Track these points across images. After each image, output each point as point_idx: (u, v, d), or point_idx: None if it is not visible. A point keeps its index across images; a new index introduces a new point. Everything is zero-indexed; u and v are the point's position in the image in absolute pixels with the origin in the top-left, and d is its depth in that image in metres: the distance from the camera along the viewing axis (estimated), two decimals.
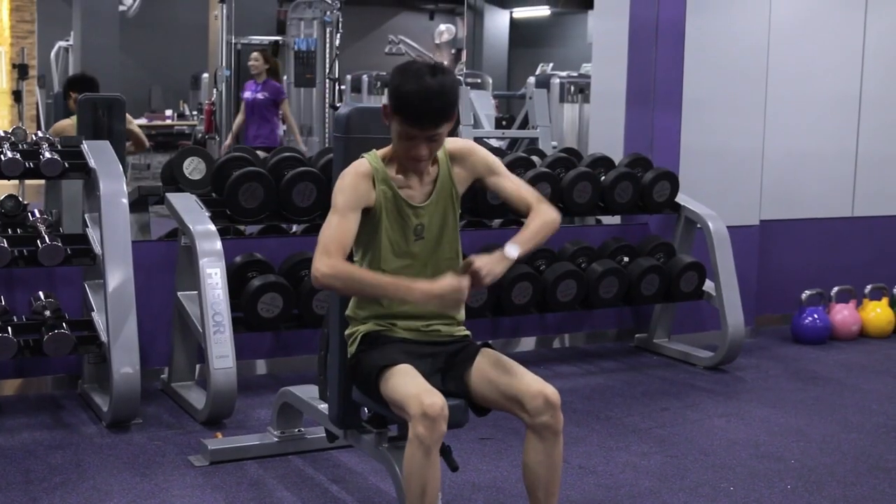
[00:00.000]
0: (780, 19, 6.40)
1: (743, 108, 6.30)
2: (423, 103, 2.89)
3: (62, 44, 15.85)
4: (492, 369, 2.99)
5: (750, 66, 6.29)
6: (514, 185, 3.16)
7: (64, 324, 4.37)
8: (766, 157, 6.40)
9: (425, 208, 3.07)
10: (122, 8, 16.17)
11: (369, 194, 3.01)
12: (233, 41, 9.66)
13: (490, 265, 2.86)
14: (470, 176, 3.13)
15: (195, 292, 4.51)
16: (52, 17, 16.52)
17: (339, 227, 2.95)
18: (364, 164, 3.04)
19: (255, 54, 9.18)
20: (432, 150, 2.99)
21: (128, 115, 6.32)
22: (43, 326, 4.36)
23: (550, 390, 2.89)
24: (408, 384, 2.87)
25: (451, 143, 3.11)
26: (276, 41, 10.08)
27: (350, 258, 3.06)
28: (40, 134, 4.92)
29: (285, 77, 11.45)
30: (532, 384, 2.91)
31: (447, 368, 3.07)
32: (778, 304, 6.66)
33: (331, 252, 2.93)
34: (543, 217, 3.10)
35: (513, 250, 2.93)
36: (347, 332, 3.16)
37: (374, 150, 3.07)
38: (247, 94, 9.15)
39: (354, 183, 3.00)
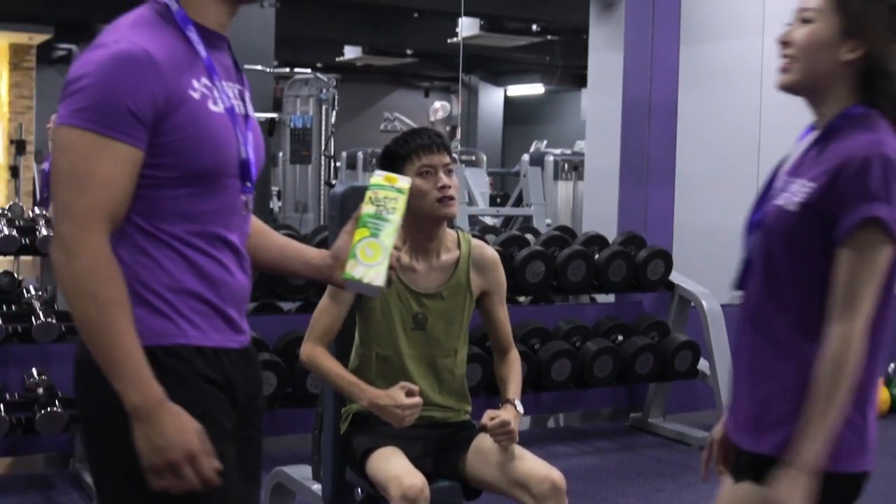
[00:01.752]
0: (770, 97, 6.46)
1: (735, 186, 6.34)
2: (427, 131, 3.05)
3: None
4: (494, 451, 2.97)
5: (742, 144, 6.35)
6: (505, 318, 3.23)
7: (57, 401, 4.35)
8: None
9: (432, 298, 3.07)
10: None
11: None
12: None
13: (511, 423, 2.95)
14: (480, 288, 3.15)
15: None
16: (51, 94, 16.60)
17: (324, 312, 3.04)
18: None
19: None
20: (453, 184, 3.02)
21: None
22: (35, 404, 4.34)
23: (557, 475, 2.87)
24: (390, 466, 2.86)
25: (480, 246, 3.15)
26: (273, 118, 10.15)
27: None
28: (37, 210, 4.95)
29: (280, 153, 11.52)
30: (538, 468, 2.89)
31: (440, 451, 3.06)
32: None
33: (312, 336, 3.06)
34: (518, 364, 3.21)
35: (519, 405, 3.05)
36: (343, 409, 3.16)
37: None
38: None
39: None
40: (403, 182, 2.20)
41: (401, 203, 2.18)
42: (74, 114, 1.82)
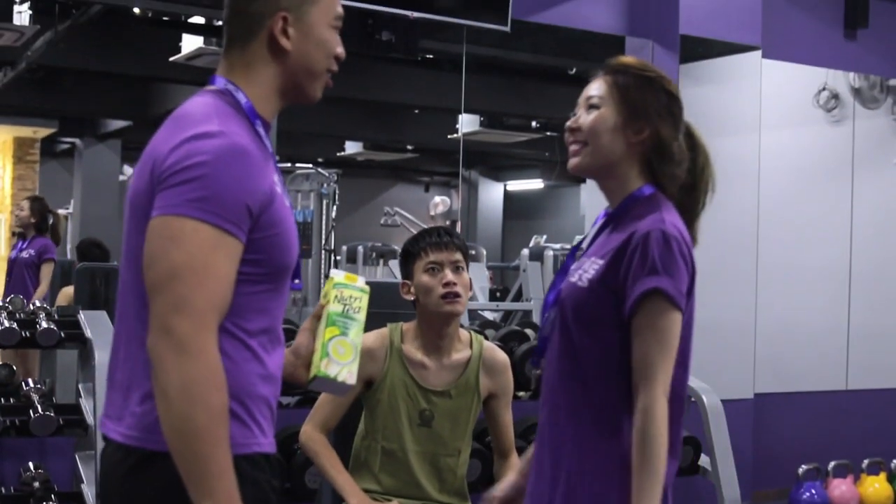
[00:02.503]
0: (768, 192, 6.52)
1: (734, 281, 6.36)
2: (439, 230, 3.10)
3: (62, 212, 16.04)
4: None
5: (740, 240, 6.37)
6: (510, 422, 3.28)
7: (53, 496, 4.31)
8: (758, 329, 6.43)
9: (440, 395, 3.07)
10: (122, 178, 16.42)
11: (372, 368, 3.04)
12: None
13: None
14: (489, 390, 3.16)
15: None
16: (53, 185, 16.74)
17: (329, 399, 3.07)
18: (374, 336, 3.08)
19: (22, 203, 8.25)
20: (460, 282, 3.02)
21: None
22: (31, 498, 4.30)
23: None
24: None
25: (491, 349, 3.17)
26: None
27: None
28: (37, 303, 4.95)
29: None
30: None
31: None
32: (774, 479, 6.59)
33: (314, 421, 3.10)
34: None
35: None
36: None
37: (402, 323, 3.12)
38: (11, 253, 8.17)
39: None
40: (362, 282, 2.20)
41: (364, 302, 2.18)
42: (191, 204, 1.75)
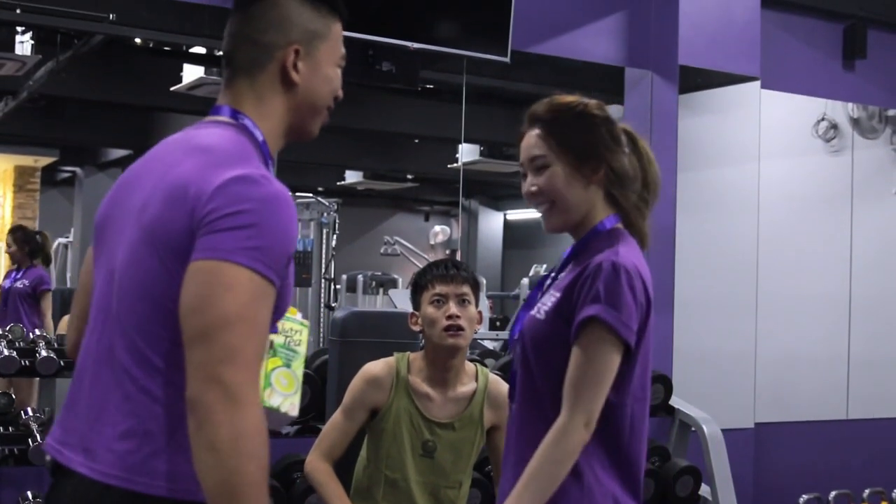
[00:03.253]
0: (768, 222, 6.53)
1: (734, 311, 6.36)
2: (447, 263, 3.12)
3: (62, 240, 16.06)
4: None
5: (740, 269, 6.38)
6: None
7: None
8: (758, 359, 6.43)
9: (444, 427, 3.07)
10: None
11: (378, 397, 3.05)
12: None
13: None
14: (492, 423, 3.17)
15: None
16: (54, 215, 16.77)
17: (336, 427, 3.07)
18: (381, 365, 3.08)
19: (6, 240, 8.10)
20: (463, 315, 3.02)
21: None
22: None
23: None
24: None
25: (497, 382, 3.18)
26: None
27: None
28: (37, 332, 4.95)
29: None
30: None
31: None
32: None
33: (320, 449, 3.11)
34: None
35: None
36: None
37: (409, 353, 3.13)
38: (5, 282, 8.09)
39: (360, 386, 3.06)
40: (300, 316, 2.19)
41: (304, 336, 2.17)
42: (247, 252, 1.72)
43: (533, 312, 2.29)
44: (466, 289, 3.06)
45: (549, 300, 2.27)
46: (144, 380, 1.78)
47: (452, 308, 3.02)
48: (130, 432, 1.76)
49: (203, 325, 1.70)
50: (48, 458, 1.90)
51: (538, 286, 2.39)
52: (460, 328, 3.01)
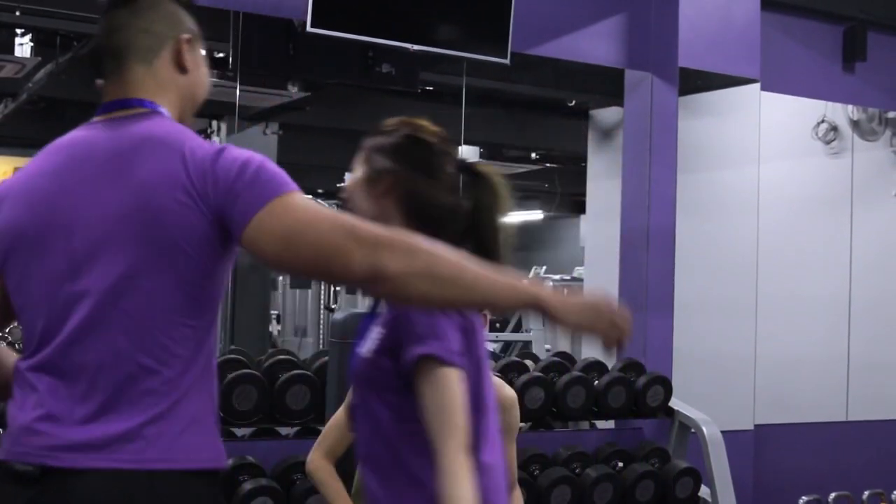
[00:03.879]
0: (768, 224, 6.53)
1: (734, 313, 6.36)
2: None
3: None
4: None
5: (740, 271, 6.39)
6: (513, 456, 3.26)
7: None
8: (758, 361, 6.43)
9: None
10: None
11: None
12: None
13: None
14: None
15: None
16: None
17: (337, 426, 3.11)
18: None
19: None
20: None
21: None
22: None
23: None
24: None
25: (499, 385, 3.19)
26: None
27: None
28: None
29: (280, 278, 11.55)
30: None
31: None
32: None
33: (321, 448, 3.10)
34: (521, 503, 3.26)
35: None
36: None
37: None
38: None
39: None
40: None
41: None
42: (287, 181, 1.92)
43: (360, 350, 2.30)
44: None
45: (374, 337, 2.27)
46: (157, 366, 1.89)
47: None
48: (160, 416, 1.88)
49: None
50: (23, 467, 1.89)
51: (369, 317, 2.39)
52: None
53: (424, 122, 2.46)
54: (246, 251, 1.90)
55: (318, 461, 3.09)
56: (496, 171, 2.45)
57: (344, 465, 3.13)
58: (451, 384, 2.15)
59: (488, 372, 2.34)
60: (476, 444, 2.18)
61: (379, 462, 2.26)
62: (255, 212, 1.85)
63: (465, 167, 2.44)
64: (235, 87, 8.14)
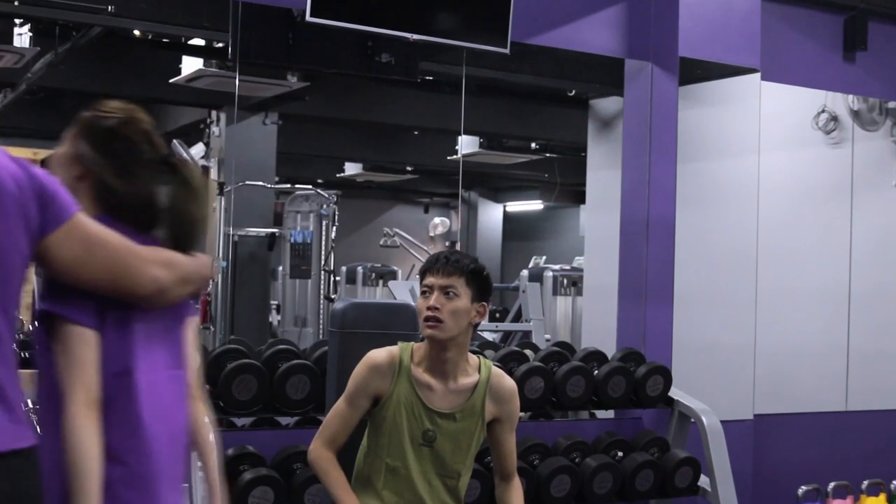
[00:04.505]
0: (768, 214, 6.53)
1: (733, 302, 6.37)
2: (438, 256, 3.11)
3: None
4: None
5: (740, 261, 6.39)
6: (513, 447, 3.27)
7: None
8: (758, 350, 6.44)
9: (445, 417, 3.08)
10: None
11: (380, 385, 3.06)
12: (231, 233, 9.80)
13: None
14: (493, 415, 3.17)
15: (185, 485, 4.45)
16: None
17: (338, 415, 3.09)
18: (384, 354, 3.09)
19: None
20: (444, 307, 3.02)
21: None
22: None
23: None
24: None
25: (500, 375, 3.18)
26: (273, 233, 10.22)
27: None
28: (37, 324, 4.94)
29: (280, 268, 11.54)
30: None
31: None
32: (774, 500, 6.58)
33: (323, 437, 3.13)
34: (521, 492, 3.27)
35: None
36: None
37: (413, 343, 3.13)
38: None
39: (363, 373, 3.07)
40: None
41: None
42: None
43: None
44: (450, 281, 3.04)
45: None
46: None
47: (431, 300, 3.04)
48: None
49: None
50: None
51: None
52: (438, 320, 3.02)
53: (137, 114, 2.53)
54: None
55: (320, 450, 3.10)
56: (194, 165, 2.58)
57: (345, 455, 3.14)
58: (74, 340, 2.27)
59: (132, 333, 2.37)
60: (107, 409, 2.27)
61: (40, 411, 2.36)
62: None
63: (164, 160, 2.48)
64: (235, 77, 8.14)
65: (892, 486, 6.67)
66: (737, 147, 6.54)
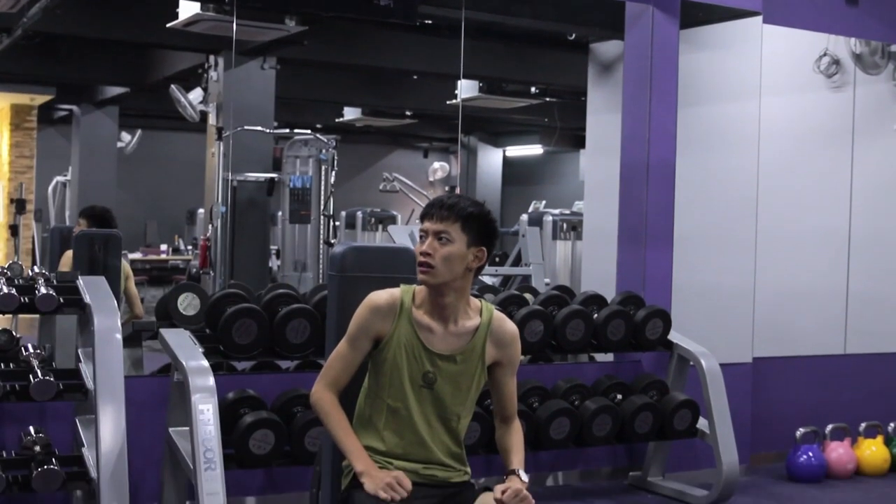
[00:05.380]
0: (768, 159, 6.51)
1: (733, 246, 6.37)
2: (436, 200, 3.08)
3: (60, 179, 16.03)
4: None
5: (740, 205, 6.38)
6: (513, 389, 3.25)
7: (53, 459, 4.32)
8: (757, 294, 6.45)
9: (445, 360, 3.08)
10: (120, 144, 16.40)
11: (382, 326, 3.07)
12: (229, 178, 9.78)
13: (524, 491, 2.96)
14: (494, 359, 3.17)
15: (187, 428, 4.48)
16: (51, 153, 16.73)
17: (340, 357, 3.10)
18: (386, 295, 3.09)
19: None
20: (437, 252, 3.02)
21: (130, 274, 6.40)
22: (32, 462, 4.31)
23: None
24: None
25: (501, 319, 3.18)
26: (272, 178, 10.19)
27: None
28: (36, 269, 4.95)
29: (280, 213, 11.53)
30: None
31: None
32: (772, 442, 6.62)
33: (325, 379, 3.13)
34: (521, 434, 3.23)
35: (524, 474, 3.07)
36: (344, 462, 3.15)
37: (415, 286, 3.13)
38: None
39: (365, 314, 3.08)
40: None
41: None
42: None
43: None
44: (446, 226, 3.03)
45: None
46: None
47: (424, 245, 3.04)
48: None
49: None
50: None
51: None
52: (429, 265, 3.02)
53: None
54: None
55: (322, 392, 3.11)
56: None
57: (347, 398, 3.15)
58: None
59: None
60: None
61: None
62: None
63: None
64: (232, 22, 8.08)
65: (889, 428, 6.71)
66: (738, 91, 6.51)
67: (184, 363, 4.52)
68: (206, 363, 4.56)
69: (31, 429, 4.57)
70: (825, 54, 6.99)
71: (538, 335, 5.42)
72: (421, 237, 3.07)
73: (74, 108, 16.05)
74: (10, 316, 6.80)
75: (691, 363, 5.84)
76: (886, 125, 7.15)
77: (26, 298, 4.50)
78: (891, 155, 7.16)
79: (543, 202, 14.32)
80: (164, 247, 17.02)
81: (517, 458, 3.13)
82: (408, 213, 13.62)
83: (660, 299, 6.04)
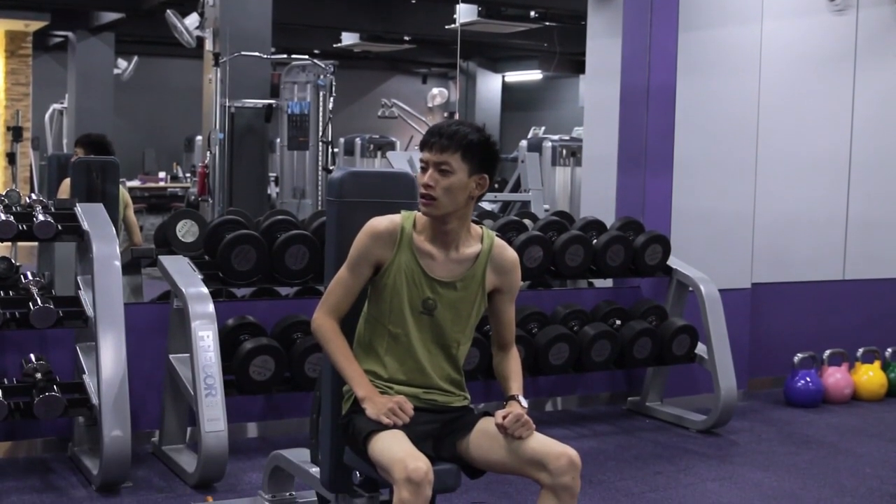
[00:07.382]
0: (769, 82, 6.46)
1: (733, 172, 6.34)
2: (435, 129, 3.05)
3: (56, 106, 15.96)
4: (501, 434, 2.98)
5: (740, 130, 6.34)
6: (512, 317, 3.25)
7: (55, 386, 4.35)
8: (757, 220, 6.44)
9: (445, 286, 3.08)
10: (116, 71, 16.29)
11: (383, 252, 3.06)
12: (227, 104, 9.71)
13: (525, 415, 2.98)
14: (494, 286, 3.16)
15: (187, 355, 4.50)
16: (48, 80, 16.63)
17: (341, 283, 3.10)
18: (386, 221, 3.08)
19: None
20: (439, 183, 3.00)
21: (129, 202, 6.38)
22: (34, 389, 4.34)
23: (573, 452, 2.90)
24: (394, 448, 2.86)
25: (502, 246, 3.16)
26: (270, 104, 10.12)
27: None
28: (34, 196, 4.94)
29: (278, 140, 11.48)
30: (554, 445, 2.92)
31: (442, 435, 3.07)
32: (770, 367, 6.66)
33: (326, 306, 3.13)
34: (518, 361, 3.25)
35: (524, 400, 3.08)
36: (345, 387, 3.15)
37: (416, 212, 3.11)
38: None
39: (365, 240, 3.07)
40: None
41: None
42: None
43: None
44: (446, 157, 2.99)
45: None
46: None
47: (425, 176, 3.01)
48: None
49: None
50: None
51: None
52: (431, 197, 3.00)
53: None
54: None
55: (323, 318, 3.12)
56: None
57: (348, 324, 3.15)
58: None
59: None
60: None
61: None
62: None
63: None
64: None
65: (886, 353, 6.74)
66: (739, 14, 6.43)
67: (183, 290, 4.53)
68: (205, 290, 4.56)
69: (32, 356, 4.59)
70: None
71: (537, 261, 5.41)
72: (422, 168, 3.04)
73: (70, 34, 15.91)
74: (10, 244, 6.79)
75: (690, 289, 5.85)
76: (889, 49, 7.08)
77: (24, 226, 4.49)
78: (893, 79, 7.11)
79: (543, 128, 14.24)
80: (162, 174, 16.99)
81: (516, 384, 3.15)
82: (406, 140, 13.56)
83: (659, 225, 6.03)
